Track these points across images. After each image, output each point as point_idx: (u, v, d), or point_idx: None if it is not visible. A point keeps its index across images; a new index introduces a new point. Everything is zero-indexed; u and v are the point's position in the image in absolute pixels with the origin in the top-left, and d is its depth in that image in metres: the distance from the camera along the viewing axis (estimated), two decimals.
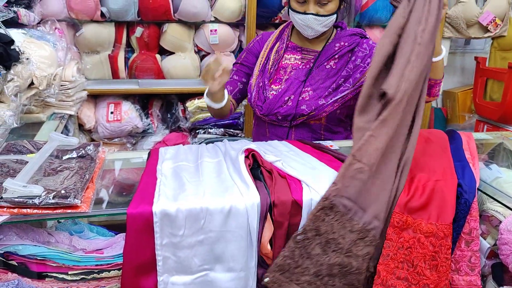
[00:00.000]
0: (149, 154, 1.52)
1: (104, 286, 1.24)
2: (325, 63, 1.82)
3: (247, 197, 1.19)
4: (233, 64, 2.02)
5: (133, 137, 2.93)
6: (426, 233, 1.24)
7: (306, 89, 1.80)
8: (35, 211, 1.12)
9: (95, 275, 1.22)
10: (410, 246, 1.24)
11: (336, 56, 1.82)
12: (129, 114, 2.79)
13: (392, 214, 1.22)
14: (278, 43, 1.90)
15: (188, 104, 2.85)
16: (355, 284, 1.21)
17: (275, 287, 1.20)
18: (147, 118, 2.89)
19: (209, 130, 2.87)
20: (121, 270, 1.20)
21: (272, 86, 1.84)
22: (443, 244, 1.25)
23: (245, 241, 1.19)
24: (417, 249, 1.24)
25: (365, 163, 1.19)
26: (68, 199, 1.12)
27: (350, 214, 1.19)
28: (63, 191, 1.13)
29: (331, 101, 1.77)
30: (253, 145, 1.40)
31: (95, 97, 2.85)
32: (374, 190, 1.21)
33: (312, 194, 1.22)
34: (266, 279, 1.20)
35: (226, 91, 1.83)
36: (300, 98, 1.78)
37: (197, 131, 2.89)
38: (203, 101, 2.73)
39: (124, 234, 1.21)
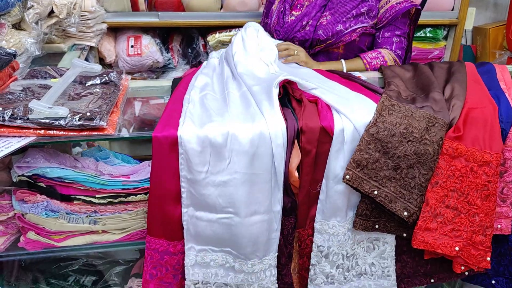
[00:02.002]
0: (173, 81, 1.48)
1: (131, 210, 1.25)
2: None
3: (272, 124, 1.15)
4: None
5: (154, 72, 2.89)
6: (480, 162, 1.20)
7: (325, 13, 1.73)
8: (61, 132, 1.11)
9: (122, 198, 1.23)
10: (462, 175, 1.21)
11: None
12: (150, 48, 2.74)
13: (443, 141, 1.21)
14: None
15: (209, 38, 2.78)
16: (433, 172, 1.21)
17: (356, 184, 1.19)
18: (167, 53, 2.83)
19: None
20: (147, 195, 1.20)
21: (293, 12, 1.79)
22: (496, 174, 1.22)
23: (269, 183, 1.18)
24: (469, 178, 1.21)
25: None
26: (94, 121, 1.10)
27: (412, 107, 1.22)
28: (88, 113, 1.12)
29: (350, 29, 1.69)
30: (286, 74, 1.32)
31: (115, 31, 2.80)
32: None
33: (344, 122, 1.19)
34: (347, 176, 1.18)
35: None
36: (318, 23, 1.71)
37: None
38: (224, 35, 2.69)
39: (149, 161, 1.20)
